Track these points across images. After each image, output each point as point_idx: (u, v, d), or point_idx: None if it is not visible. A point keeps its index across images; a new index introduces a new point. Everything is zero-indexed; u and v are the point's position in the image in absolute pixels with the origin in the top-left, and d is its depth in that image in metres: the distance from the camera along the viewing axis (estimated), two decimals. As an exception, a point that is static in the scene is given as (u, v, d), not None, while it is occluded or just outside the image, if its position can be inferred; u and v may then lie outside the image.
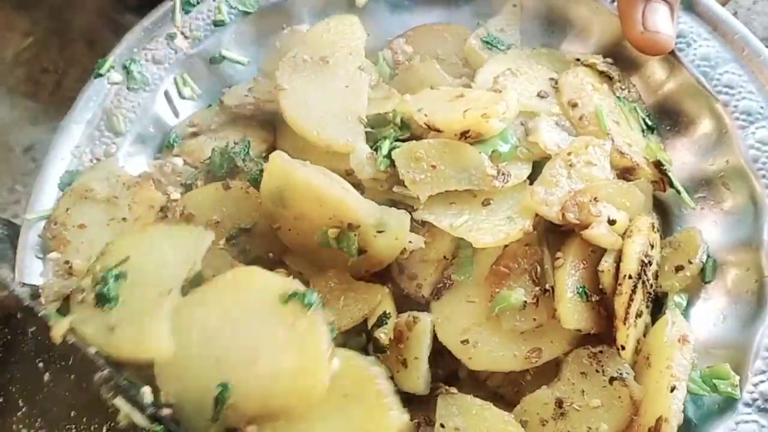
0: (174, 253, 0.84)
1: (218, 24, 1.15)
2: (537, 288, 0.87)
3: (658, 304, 0.93)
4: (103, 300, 0.82)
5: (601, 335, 0.87)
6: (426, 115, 0.92)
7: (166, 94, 1.12)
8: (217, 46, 1.14)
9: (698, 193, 0.98)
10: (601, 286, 0.86)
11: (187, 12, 1.14)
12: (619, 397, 0.85)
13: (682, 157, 1.00)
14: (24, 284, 0.93)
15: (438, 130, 0.91)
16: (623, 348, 0.84)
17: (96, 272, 0.85)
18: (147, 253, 0.85)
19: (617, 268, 0.86)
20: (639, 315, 0.86)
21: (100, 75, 1.10)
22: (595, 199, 0.87)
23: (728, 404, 0.85)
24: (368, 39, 1.08)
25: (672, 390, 0.82)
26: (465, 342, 0.87)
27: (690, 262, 0.93)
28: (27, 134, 1.48)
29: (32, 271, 0.97)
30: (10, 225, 1.07)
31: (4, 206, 1.39)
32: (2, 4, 1.62)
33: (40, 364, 0.85)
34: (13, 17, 1.62)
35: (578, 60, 1.03)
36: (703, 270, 0.93)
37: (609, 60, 1.04)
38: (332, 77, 1.00)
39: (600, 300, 0.87)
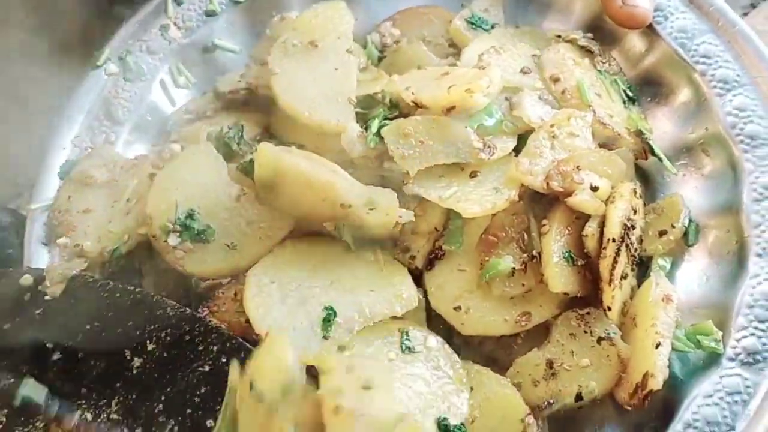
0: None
1: (210, 14, 1.18)
2: (525, 255, 0.91)
3: (643, 269, 0.96)
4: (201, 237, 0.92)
5: (588, 298, 0.90)
6: (413, 93, 0.95)
7: (162, 83, 1.16)
8: (210, 35, 1.18)
9: (679, 161, 1.01)
10: (586, 250, 0.89)
11: (179, 3, 1.18)
12: (608, 356, 0.88)
13: (663, 126, 1.04)
14: (30, 269, 0.97)
15: (425, 107, 0.94)
16: (609, 309, 0.87)
17: (164, 224, 0.94)
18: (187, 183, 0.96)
19: (601, 233, 0.89)
20: (624, 277, 0.89)
21: (98, 66, 1.14)
22: (577, 167, 0.90)
23: (713, 360, 0.88)
24: (356, 24, 1.11)
25: (657, 347, 0.86)
26: (457, 309, 0.90)
27: (673, 226, 0.96)
28: (25, 133, 1.49)
29: (39, 258, 1.01)
30: (14, 214, 1.11)
31: (7, 199, 1.41)
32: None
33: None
34: (6, 9, 1.64)
35: (559, 36, 1.07)
36: (686, 234, 0.97)
37: (589, 35, 1.08)
38: (322, 60, 1.03)
39: (586, 264, 0.90)
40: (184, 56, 1.17)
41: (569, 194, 0.89)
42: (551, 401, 0.90)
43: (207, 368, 0.85)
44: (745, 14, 1.43)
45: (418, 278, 0.93)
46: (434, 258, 0.94)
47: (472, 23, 1.10)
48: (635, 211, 0.93)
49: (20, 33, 1.41)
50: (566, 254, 0.89)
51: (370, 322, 0.85)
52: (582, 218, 0.91)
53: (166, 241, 0.95)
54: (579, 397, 0.89)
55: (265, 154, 0.88)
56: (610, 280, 0.87)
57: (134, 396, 0.86)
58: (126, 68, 1.14)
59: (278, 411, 0.75)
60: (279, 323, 0.85)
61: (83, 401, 0.87)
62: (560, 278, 0.88)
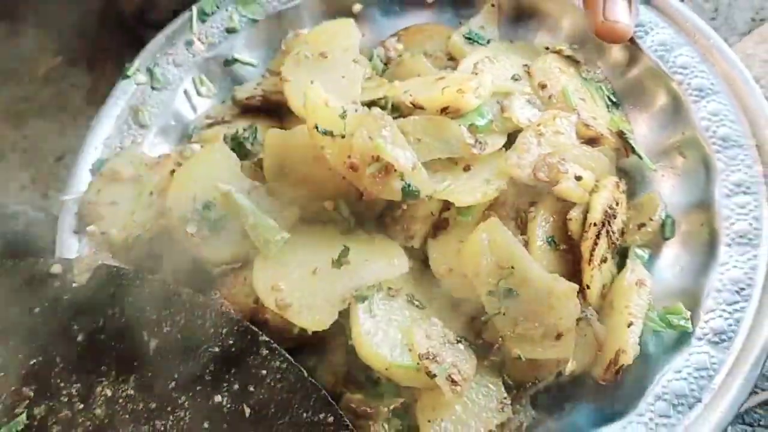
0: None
1: (230, 31, 1.29)
2: (522, 237, 0.98)
3: (624, 261, 1.04)
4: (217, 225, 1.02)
5: (572, 281, 0.96)
6: (411, 96, 1.04)
7: (186, 92, 1.27)
8: (230, 50, 1.29)
9: (658, 162, 1.09)
10: (569, 233, 0.97)
11: (203, 21, 1.29)
12: (585, 335, 0.96)
13: (643, 131, 1.12)
14: (60, 259, 1.06)
15: (421, 108, 1.03)
16: (588, 287, 0.95)
17: (183, 213, 1.03)
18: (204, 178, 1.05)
19: (584, 219, 0.97)
20: (604, 261, 0.97)
21: (128, 77, 1.25)
22: (563, 159, 0.99)
23: (683, 339, 0.95)
24: (363, 40, 1.21)
25: (629, 326, 0.94)
26: (450, 271, 0.98)
27: (651, 219, 1.04)
28: (58, 144, 1.60)
29: (69, 246, 1.11)
30: (47, 211, 1.21)
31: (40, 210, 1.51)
32: (34, 27, 1.78)
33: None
34: (44, 38, 1.77)
35: (547, 48, 1.16)
36: (663, 227, 1.04)
37: (575, 46, 1.17)
38: (330, 70, 1.12)
39: (569, 249, 0.98)
40: (207, 68, 1.28)
41: (555, 183, 0.97)
42: (535, 381, 0.98)
43: (216, 349, 0.92)
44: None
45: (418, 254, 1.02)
46: (439, 227, 1.01)
47: (469, 38, 1.19)
48: (617, 203, 1.00)
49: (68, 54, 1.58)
50: (549, 239, 0.97)
51: (368, 284, 0.95)
52: (566, 208, 0.99)
53: (185, 229, 1.03)
54: (559, 374, 0.97)
55: (273, 137, 0.97)
56: (590, 260, 0.94)
57: (150, 374, 0.94)
58: (153, 78, 1.25)
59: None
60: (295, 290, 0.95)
61: (103, 379, 0.95)
62: (542, 260, 0.96)
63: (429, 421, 0.92)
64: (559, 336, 0.94)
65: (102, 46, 1.71)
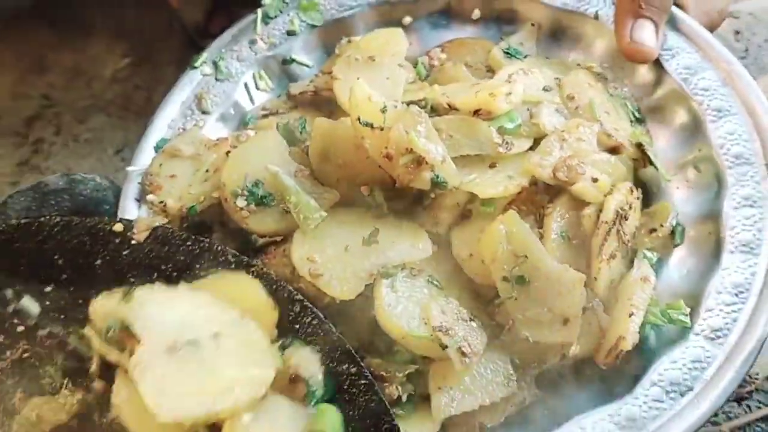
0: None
1: (291, 33, 1.41)
2: (538, 230, 1.07)
3: (635, 264, 1.12)
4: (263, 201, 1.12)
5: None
6: (447, 97, 1.13)
7: (246, 85, 1.38)
8: (289, 51, 1.40)
9: (674, 175, 1.17)
10: (582, 229, 1.05)
11: (266, 23, 1.41)
12: (590, 323, 1.03)
13: (663, 146, 1.19)
14: (122, 219, 1.17)
15: (456, 109, 1.12)
16: (596, 279, 1.03)
17: (235, 189, 1.13)
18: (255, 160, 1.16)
19: (597, 218, 1.05)
20: (613, 257, 1.04)
21: (195, 67, 1.38)
22: (582, 162, 1.07)
23: (682, 334, 1.02)
24: (410, 49, 1.32)
25: (630, 315, 1.01)
26: (470, 256, 1.07)
27: (662, 226, 1.11)
28: (119, 138, 1.75)
29: (131, 212, 1.22)
30: (112, 181, 1.33)
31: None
32: (105, 31, 1.93)
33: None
34: (114, 42, 1.92)
35: (579, 65, 1.25)
36: (673, 233, 1.12)
37: (605, 65, 1.26)
38: (377, 72, 1.23)
39: (581, 244, 1.06)
40: (266, 66, 1.40)
41: (572, 183, 1.06)
42: (541, 362, 1.06)
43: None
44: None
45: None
46: (462, 217, 1.10)
47: (508, 53, 1.29)
48: (630, 207, 1.08)
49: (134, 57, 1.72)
50: (563, 233, 1.06)
51: (393, 263, 1.05)
52: (581, 207, 1.07)
53: (235, 203, 1.14)
54: (563, 357, 1.05)
55: (320, 125, 1.08)
56: (599, 254, 1.03)
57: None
58: (218, 71, 1.38)
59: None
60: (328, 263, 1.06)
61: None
62: (555, 252, 1.04)
63: (439, 388, 1.00)
64: (565, 321, 1.01)
65: (165, 53, 1.87)
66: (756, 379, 1.22)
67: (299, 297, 1.01)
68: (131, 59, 1.89)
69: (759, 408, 1.23)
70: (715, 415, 1.16)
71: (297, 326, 0.99)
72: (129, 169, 1.26)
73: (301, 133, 1.23)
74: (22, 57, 1.89)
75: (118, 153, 1.74)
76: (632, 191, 1.10)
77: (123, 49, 1.91)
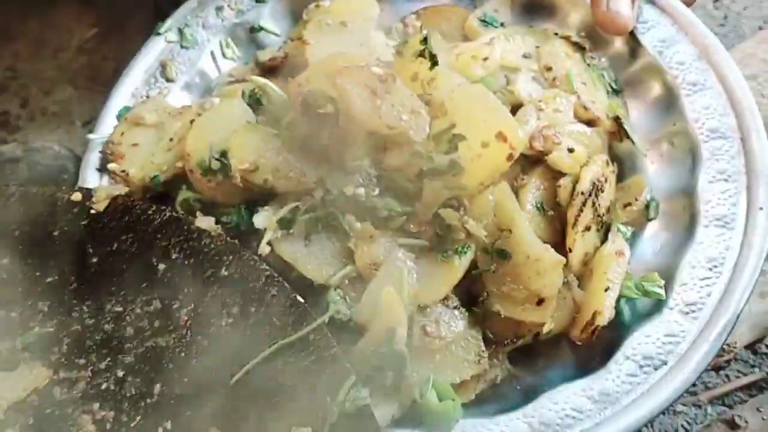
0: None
1: (259, 1, 1.37)
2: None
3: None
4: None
5: (555, 246, 1.01)
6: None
7: (212, 53, 1.34)
8: (257, 18, 1.36)
9: (649, 150, 1.16)
10: (558, 200, 1.04)
11: (234, -11, 1.38)
12: (564, 299, 1.02)
13: (638, 120, 1.18)
14: (81, 188, 1.13)
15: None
16: (570, 250, 1.01)
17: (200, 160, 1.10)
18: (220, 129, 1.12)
19: (573, 190, 1.04)
20: (587, 229, 1.03)
21: (159, 34, 1.33)
22: (558, 132, 1.05)
23: (656, 308, 1.01)
24: (384, 17, 1.29)
25: (606, 290, 1.00)
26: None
27: (636, 200, 1.10)
28: (86, 110, 1.67)
29: (93, 180, 1.18)
30: (72, 150, 1.28)
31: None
32: (70, 1, 1.87)
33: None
34: (81, 12, 1.86)
35: (556, 34, 1.23)
36: (647, 208, 1.11)
37: (582, 34, 1.24)
38: (349, 37, 1.19)
39: (556, 216, 1.04)
40: (233, 34, 1.36)
41: (548, 153, 1.04)
42: (514, 339, 1.04)
43: (224, 273, 0.98)
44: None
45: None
46: None
47: (485, 21, 1.27)
48: (605, 180, 1.07)
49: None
50: (538, 205, 1.04)
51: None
52: (557, 178, 1.06)
53: (199, 173, 1.10)
54: (537, 334, 1.03)
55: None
56: (574, 225, 1.01)
57: (156, 295, 1.00)
58: (183, 38, 1.33)
59: None
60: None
61: (113, 297, 1.01)
62: (530, 223, 1.02)
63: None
64: (540, 302, 1.00)
65: (134, 23, 1.81)
66: (734, 348, 1.22)
67: (265, 267, 0.98)
68: (99, 29, 1.82)
69: (738, 378, 1.23)
70: (693, 385, 1.16)
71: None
72: (90, 136, 1.21)
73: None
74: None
75: (85, 125, 1.66)
76: (608, 164, 1.09)
77: (90, 19, 1.83)
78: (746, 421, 1.15)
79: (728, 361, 1.22)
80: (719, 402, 1.21)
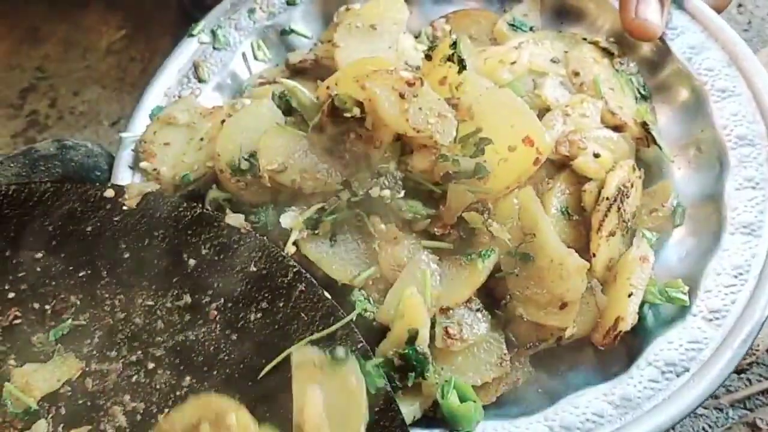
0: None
1: (290, 3, 1.39)
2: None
3: (634, 243, 1.10)
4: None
5: (579, 251, 1.02)
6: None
7: (243, 55, 1.36)
8: (288, 21, 1.38)
9: (676, 155, 1.16)
10: (582, 204, 1.04)
11: (266, -9, 1.40)
12: (587, 303, 1.02)
13: (666, 126, 1.18)
14: (114, 185, 1.15)
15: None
16: (594, 255, 1.02)
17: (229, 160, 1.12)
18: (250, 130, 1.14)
19: (599, 195, 1.04)
20: (612, 234, 1.03)
21: (193, 35, 1.35)
22: (584, 137, 1.06)
23: (680, 314, 1.01)
24: (413, 22, 1.30)
25: (630, 296, 1.00)
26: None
27: (663, 206, 1.10)
28: (114, 110, 1.74)
29: (125, 178, 1.20)
30: (104, 148, 1.31)
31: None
32: (100, 2, 1.91)
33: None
34: (109, 14, 1.91)
35: (585, 39, 1.23)
36: (673, 214, 1.11)
37: (611, 39, 1.24)
38: (378, 40, 1.20)
39: (581, 221, 1.05)
40: (265, 36, 1.38)
41: (574, 158, 1.04)
42: (537, 342, 1.04)
43: (252, 268, 1.00)
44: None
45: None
46: None
47: (514, 25, 1.27)
48: (631, 185, 1.07)
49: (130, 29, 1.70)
50: (563, 209, 1.05)
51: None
52: (582, 183, 1.06)
53: (229, 173, 1.13)
54: (559, 338, 1.04)
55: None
56: (599, 230, 1.02)
57: (187, 290, 1.02)
58: (216, 39, 1.35)
59: None
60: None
61: (144, 292, 1.03)
62: (555, 228, 1.02)
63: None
64: (563, 306, 1.00)
65: (161, 25, 1.84)
66: (756, 350, 1.21)
67: (292, 263, 0.99)
68: (126, 31, 1.88)
69: (759, 381, 1.23)
70: None
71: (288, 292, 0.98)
72: (123, 135, 1.24)
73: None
74: (15, 28, 1.88)
75: (113, 125, 1.73)
76: (634, 169, 1.09)
77: (118, 21, 1.89)
78: (767, 424, 1.15)
79: (750, 364, 1.21)
80: (741, 405, 1.20)
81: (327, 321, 0.94)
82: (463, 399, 0.97)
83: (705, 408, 1.20)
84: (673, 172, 1.15)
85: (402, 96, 1.00)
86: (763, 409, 1.20)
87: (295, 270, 0.98)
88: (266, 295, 0.98)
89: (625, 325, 0.99)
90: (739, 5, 1.71)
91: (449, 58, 1.05)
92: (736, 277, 1.01)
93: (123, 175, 1.20)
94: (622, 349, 1.01)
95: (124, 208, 1.08)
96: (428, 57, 1.08)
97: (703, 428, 1.19)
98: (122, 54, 1.84)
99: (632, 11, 1.17)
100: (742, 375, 1.22)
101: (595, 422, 0.95)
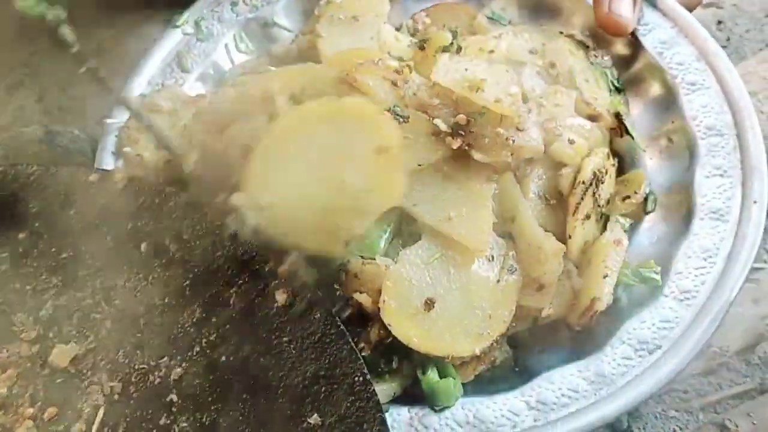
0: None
1: (273, -3, 1.42)
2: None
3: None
4: None
5: (557, 236, 1.05)
6: (432, 53, 1.15)
7: (226, 47, 1.39)
8: (271, 14, 1.41)
9: (648, 145, 1.19)
10: (559, 189, 1.07)
11: (249, -15, 1.42)
12: (564, 286, 1.05)
13: (638, 118, 1.22)
14: (98, 169, 1.17)
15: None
16: (570, 237, 1.05)
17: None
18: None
19: (574, 180, 1.07)
20: (588, 217, 1.06)
21: (177, 26, 1.38)
22: (559, 125, 1.09)
23: (652, 294, 1.04)
24: (395, 14, 1.32)
25: (605, 277, 1.03)
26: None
27: (635, 193, 1.13)
28: (101, 108, 1.73)
29: (108, 163, 1.22)
30: (89, 134, 1.32)
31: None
32: (90, 1, 1.92)
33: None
34: (99, 12, 1.90)
35: (561, 32, 1.27)
36: (645, 201, 1.14)
37: (587, 33, 1.28)
38: (360, 31, 1.23)
39: (557, 205, 1.08)
40: (247, 28, 1.40)
41: (550, 144, 1.07)
42: (513, 323, 1.07)
43: (236, 251, 1.01)
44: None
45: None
46: None
47: (493, 19, 1.31)
48: (606, 171, 1.10)
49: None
50: (541, 194, 1.08)
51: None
52: (558, 169, 1.09)
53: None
54: (535, 320, 1.06)
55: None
56: (575, 212, 1.05)
57: (168, 274, 1.03)
58: (199, 31, 1.38)
59: None
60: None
61: (126, 275, 1.03)
62: (532, 211, 1.06)
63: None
64: (540, 288, 1.03)
65: (152, 25, 1.85)
66: (726, 352, 1.25)
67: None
68: (116, 30, 1.87)
69: (730, 387, 1.26)
70: (686, 392, 1.20)
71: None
72: (107, 121, 1.25)
73: (279, 92, 1.23)
74: (4, 24, 1.87)
75: (101, 121, 1.71)
76: (609, 157, 1.12)
77: (108, 20, 1.88)
78: (737, 425, 1.18)
79: (720, 365, 1.25)
80: (711, 409, 1.23)
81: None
82: (442, 376, 0.99)
83: (676, 411, 1.22)
84: (645, 162, 1.18)
85: (395, 84, 1.02)
86: (732, 411, 1.23)
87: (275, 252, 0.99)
88: (246, 278, 0.99)
89: (601, 305, 1.01)
90: (719, 22, 1.76)
91: (445, 49, 1.08)
92: (705, 259, 1.04)
93: (106, 161, 1.22)
94: (597, 329, 1.04)
95: (108, 192, 1.08)
96: (422, 47, 1.11)
97: (674, 430, 1.21)
98: (111, 52, 1.84)
99: (605, 6, 1.21)
100: (713, 379, 1.25)
101: (570, 397, 0.98)
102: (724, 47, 1.68)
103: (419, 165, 1.02)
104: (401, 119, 1.01)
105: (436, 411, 1.00)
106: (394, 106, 1.02)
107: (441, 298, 0.99)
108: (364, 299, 0.99)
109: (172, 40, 1.37)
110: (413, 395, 1.01)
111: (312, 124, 1.01)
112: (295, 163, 1.00)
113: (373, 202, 0.97)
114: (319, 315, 0.95)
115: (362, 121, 0.99)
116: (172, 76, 1.33)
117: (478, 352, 0.99)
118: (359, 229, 0.98)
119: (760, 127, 1.13)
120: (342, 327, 0.93)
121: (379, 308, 0.97)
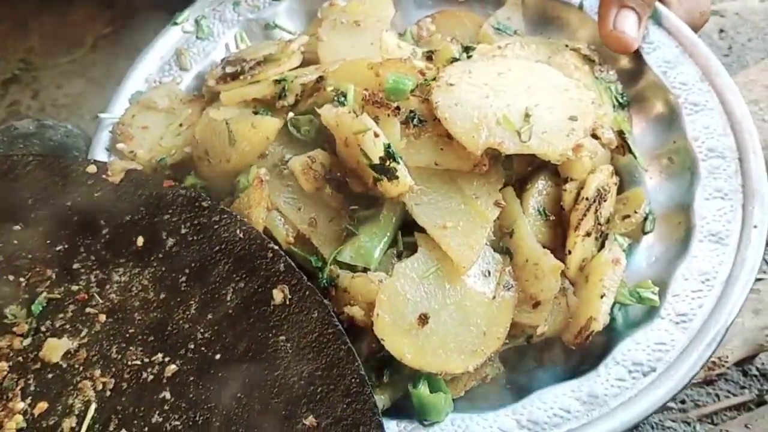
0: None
1: (275, -1, 1.40)
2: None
3: (606, 247, 1.13)
4: None
5: (555, 253, 1.04)
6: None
7: (226, 46, 1.37)
8: (273, 16, 1.40)
9: (649, 164, 1.18)
10: (561, 203, 1.06)
11: (252, -15, 1.41)
12: (559, 304, 1.04)
13: (640, 137, 1.21)
14: (97, 161, 1.14)
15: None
16: (569, 253, 1.03)
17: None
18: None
19: (577, 195, 1.06)
20: (588, 234, 1.05)
21: (177, 24, 1.36)
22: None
23: (649, 316, 1.03)
24: (399, 21, 1.32)
25: (602, 297, 1.02)
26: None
27: (635, 212, 1.12)
28: (97, 105, 1.71)
29: (101, 159, 1.19)
30: (83, 130, 1.30)
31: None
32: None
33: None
34: (97, 10, 1.90)
35: (567, 45, 1.26)
36: (645, 221, 1.13)
37: (593, 47, 1.26)
38: (362, 36, 1.22)
39: (557, 221, 1.07)
40: (248, 28, 1.39)
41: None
42: (507, 340, 1.05)
43: (232, 249, 1.00)
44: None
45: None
46: None
47: (498, 29, 1.30)
48: (608, 190, 1.09)
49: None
50: (541, 209, 1.06)
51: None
52: (560, 185, 1.08)
53: (207, 159, 1.12)
54: (530, 337, 1.05)
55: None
56: (576, 228, 1.04)
57: (164, 268, 1.01)
58: (199, 29, 1.36)
59: None
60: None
61: (121, 269, 1.02)
62: (532, 226, 1.05)
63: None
64: (536, 305, 1.02)
65: (149, 23, 1.84)
66: (725, 362, 1.24)
67: (272, 245, 1.00)
68: (114, 27, 1.86)
69: (727, 397, 1.25)
70: (683, 402, 1.18)
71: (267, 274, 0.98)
72: (101, 116, 1.24)
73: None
74: (3, 20, 1.86)
75: (95, 119, 1.70)
76: (612, 174, 1.11)
77: (106, 18, 1.88)
78: (732, 436, 1.18)
79: (719, 376, 1.24)
80: (708, 420, 1.22)
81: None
82: (433, 390, 0.98)
83: (673, 422, 1.22)
84: (646, 181, 1.17)
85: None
86: (730, 422, 1.22)
87: (273, 250, 0.98)
88: (243, 275, 0.98)
89: (598, 326, 1.00)
90: (721, 30, 1.77)
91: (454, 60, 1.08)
92: (703, 282, 1.03)
93: (99, 156, 1.20)
94: (591, 350, 1.03)
95: (106, 184, 1.07)
96: (429, 58, 1.09)
97: (671, 440, 1.21)
98: (108, 50, 1.83)
99: (611, 23, 1.20)
100: (711, 390, 1.24)
101: (562, 417, 0.96)
102: (725, 56, 1.71)
103: (436, 164, 1.02)
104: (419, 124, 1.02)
105: (425, 425, 0.98)
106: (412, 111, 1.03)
107: (435, 313, 0.97)
108: (356, 312, 0.97)
109: (171, 38, 1.35)
110: (403, 408, 1.00)
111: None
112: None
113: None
114: (316, 314, 0.94)
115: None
116: (170, 74, 1.32)
117: (471, 369, 0.97)
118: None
119: (761, 146, 1.13)
120: (340, 327, 0.93)
121: (371, 322, 0.96)
